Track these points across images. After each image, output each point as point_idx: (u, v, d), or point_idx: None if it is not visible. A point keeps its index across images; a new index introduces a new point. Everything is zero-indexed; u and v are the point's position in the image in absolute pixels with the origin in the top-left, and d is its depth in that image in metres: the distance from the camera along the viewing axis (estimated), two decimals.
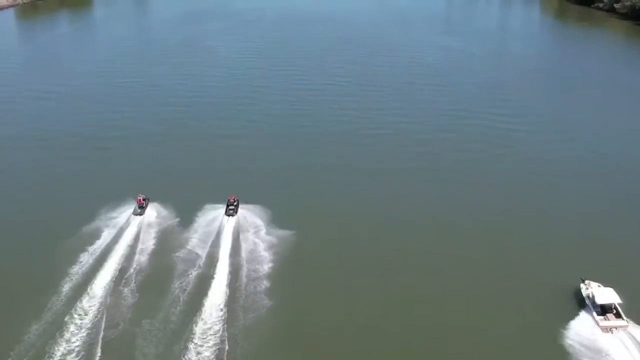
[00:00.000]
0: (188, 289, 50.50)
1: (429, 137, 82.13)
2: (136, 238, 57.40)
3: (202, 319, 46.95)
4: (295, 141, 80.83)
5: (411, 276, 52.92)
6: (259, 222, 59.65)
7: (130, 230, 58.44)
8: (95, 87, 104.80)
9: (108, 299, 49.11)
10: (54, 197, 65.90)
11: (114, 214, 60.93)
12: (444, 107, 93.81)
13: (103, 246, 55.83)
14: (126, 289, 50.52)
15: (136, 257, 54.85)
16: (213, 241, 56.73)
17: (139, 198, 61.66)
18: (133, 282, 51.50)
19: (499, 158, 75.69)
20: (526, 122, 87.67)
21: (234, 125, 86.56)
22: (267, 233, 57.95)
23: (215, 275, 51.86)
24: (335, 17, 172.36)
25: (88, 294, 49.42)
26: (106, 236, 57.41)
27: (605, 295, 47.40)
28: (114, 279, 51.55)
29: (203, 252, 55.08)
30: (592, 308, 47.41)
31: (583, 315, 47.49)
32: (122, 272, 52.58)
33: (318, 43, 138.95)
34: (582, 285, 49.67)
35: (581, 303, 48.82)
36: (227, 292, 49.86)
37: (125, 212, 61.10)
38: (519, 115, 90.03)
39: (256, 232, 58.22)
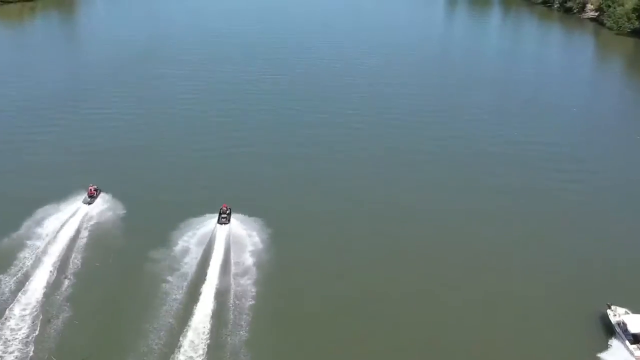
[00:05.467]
0: (179, 297, 46.79)
1: (441, 149, 76.82)
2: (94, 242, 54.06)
3: (191, 329, 43.22)
4: (291, 149, 75.65)
5: (419, 297, 48.90)
6: (252, 232, 55.30)
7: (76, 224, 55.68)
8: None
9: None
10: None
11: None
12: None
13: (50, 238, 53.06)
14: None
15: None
16: (205, 249, 52.23)
17: (90, 188, 59.17)
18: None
19: (520, 184, 68.73)
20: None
21: (226, 132, 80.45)
22: (261, 242, 53.88)
23: (202, 288, 47.66)
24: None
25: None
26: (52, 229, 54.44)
27: (638, 323, 44.19)
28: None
29: (195, 260, 50.99)
30: (623, 336, 44.05)
31: (614, 343, 44.00)
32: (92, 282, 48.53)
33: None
34: (608, 311, 46.44)
35: (609, 330, 45.49)
36: (215, 305, 46.06)
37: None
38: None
39: (250, 242, 53.96)
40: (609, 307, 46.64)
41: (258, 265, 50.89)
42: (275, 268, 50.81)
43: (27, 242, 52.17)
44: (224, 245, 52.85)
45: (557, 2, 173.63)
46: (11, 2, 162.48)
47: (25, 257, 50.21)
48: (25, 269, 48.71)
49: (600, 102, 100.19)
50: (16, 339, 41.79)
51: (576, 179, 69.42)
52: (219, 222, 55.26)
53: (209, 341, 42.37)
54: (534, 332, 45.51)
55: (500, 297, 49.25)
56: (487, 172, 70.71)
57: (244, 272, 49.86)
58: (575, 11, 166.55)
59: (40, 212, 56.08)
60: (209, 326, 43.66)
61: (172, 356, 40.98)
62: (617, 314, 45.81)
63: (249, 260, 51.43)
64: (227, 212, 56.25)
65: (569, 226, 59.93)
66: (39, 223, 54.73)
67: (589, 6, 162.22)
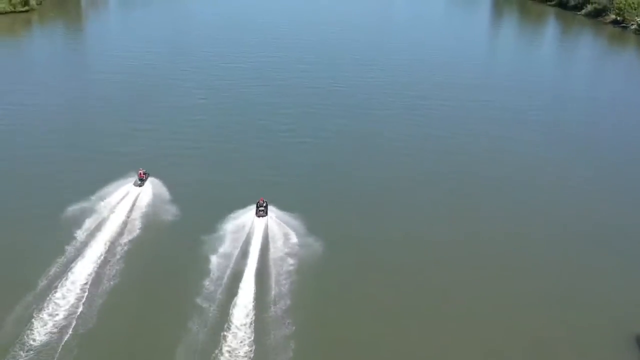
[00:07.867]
0: (222, 281, 49.23)
1: (480, 161, 74.88)
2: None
3: (233, 315, 45.16)
4: (329, 145, 76.97)
5: (453, 304, 48.58)
6: (289, 226, 57.05)
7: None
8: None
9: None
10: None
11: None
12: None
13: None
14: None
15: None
16: (245, 239, 54.74)
17: (140, 172, 63.34)
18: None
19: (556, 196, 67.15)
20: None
21: (266, 127, 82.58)
22: (298, 237, 55.42)
23: (243, 274, 50.00)
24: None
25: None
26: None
27: None
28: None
29: (235, 247, 53.65)
30: None
31: None
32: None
33: None
34: None
35: None
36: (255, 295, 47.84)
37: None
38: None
39: (286, 236, 55.85)
40: None
41: (294, 255, 52.64)
42: (311, 260, 52.29)
43: (88, 214, 57.02)
44: (262, 236, 55.27)
45: (635, 23, 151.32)
46: (0, 13, 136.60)
47: (83, 230, 54.67)
48: (81, 243, 52.68)
49: None
50: (59, 311, 44.79)
51: (614, 200, 66.43)
52: (257, 214, 57.43)
53: (251, 328, 43.97)
54: (569, 355, 44.17)
55: (533, 320, 47.51)
56: (524, 196, 67.37)
57: (282, 262, 51.84)
58: None
59: (98, 191, 60.53)
60: (251, 311, 45.57)
61: (214, 340, 42.67)
62: None
63: (285, 250, 53.54)
64: (264, 205, 58.19)
65: (603, 245, 57.73)
66: (97, 199, 59.45)
67: None
